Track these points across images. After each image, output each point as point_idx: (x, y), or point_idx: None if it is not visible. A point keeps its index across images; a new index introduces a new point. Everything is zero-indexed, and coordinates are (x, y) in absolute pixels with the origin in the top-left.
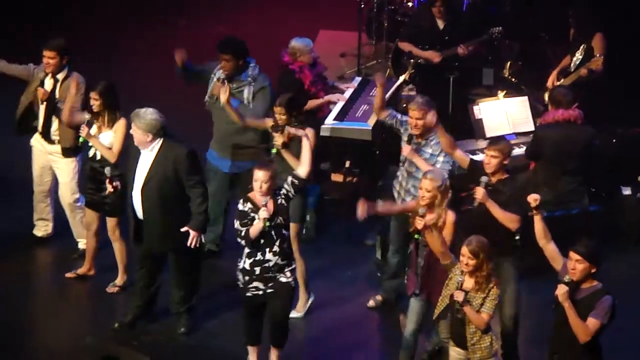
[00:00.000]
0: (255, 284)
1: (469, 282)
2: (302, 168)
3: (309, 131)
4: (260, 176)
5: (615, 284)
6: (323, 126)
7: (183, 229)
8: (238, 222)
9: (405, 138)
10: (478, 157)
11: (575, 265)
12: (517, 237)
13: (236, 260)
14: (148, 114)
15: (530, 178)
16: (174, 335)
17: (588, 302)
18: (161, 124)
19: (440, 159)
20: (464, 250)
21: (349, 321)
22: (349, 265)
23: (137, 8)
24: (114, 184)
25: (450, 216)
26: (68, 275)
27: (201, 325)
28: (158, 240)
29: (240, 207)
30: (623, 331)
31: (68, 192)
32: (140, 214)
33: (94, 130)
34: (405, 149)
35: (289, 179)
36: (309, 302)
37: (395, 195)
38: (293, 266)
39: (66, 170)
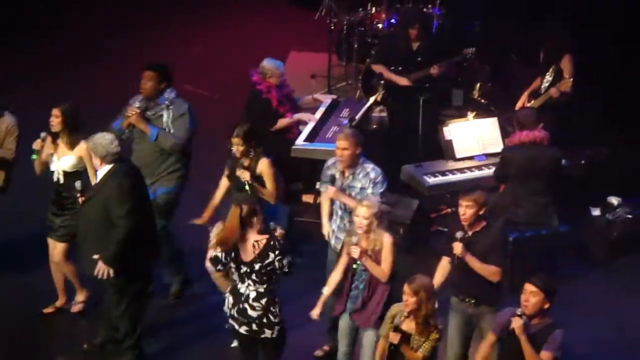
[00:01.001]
0: None
1: (409, 325)
2: None
3: (263, 162)
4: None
5: (584, 304)
6: (294, 147)
7: (95, 257)
8: (289, 256)
9: (326, 179)
10: (448, 177)
11: (529, 297)
12: None
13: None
14: (99, 138)
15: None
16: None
17: (540, 337)
18: (108, 151)
19: (370, 191)
20: (405, 287)
21: (318, 343)
22: (319, 286)
23: (103, 24)
24: (84, 196)
25: (387, 238)
26: (46, 310)
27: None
28: (87, 264)
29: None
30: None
31: None
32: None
33: (46, 151)
34: (330, 191)
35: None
36: None
37: (328, 234)
38: None
39: None
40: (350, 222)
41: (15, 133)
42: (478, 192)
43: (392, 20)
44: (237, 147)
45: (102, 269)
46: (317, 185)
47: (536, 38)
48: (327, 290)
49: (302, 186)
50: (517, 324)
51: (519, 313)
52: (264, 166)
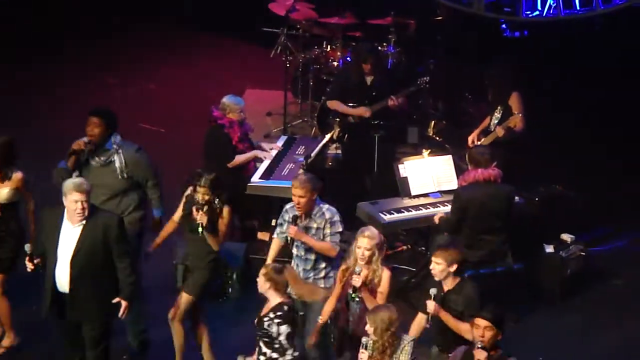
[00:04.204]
0: None
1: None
2: None
3: (225, 210)
4: None
5: (539, 341)
6: (249, 184)
7: (114, 300)
8: None
9: (288, 219)
10: (404, 214)
11: (484, 332)
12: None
13: None
14: (79, 180)
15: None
16: None
17: None
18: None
19: (327, 231)
20: (367, 317)
21: None
22: None
23: (66, 65)
24: (35, 261)
25: (386, 272)
26: None
27: None
28: (86, 311)
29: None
30: None
31: None
32: (65, 287)
33: None
34: (292, 230)
35: None
36: None
37: None
38: None
39: None
40: (304, 270)
41: None
42: (450, 250)
43: (347, 58)
44: (202, 196)
45: (126, 308)
46: (273, 223)
47: (487, 77)
48: (321, 320)
49: (258, 223)
50: (481, 355)
51: (480, 346)
52: (225, 213)
